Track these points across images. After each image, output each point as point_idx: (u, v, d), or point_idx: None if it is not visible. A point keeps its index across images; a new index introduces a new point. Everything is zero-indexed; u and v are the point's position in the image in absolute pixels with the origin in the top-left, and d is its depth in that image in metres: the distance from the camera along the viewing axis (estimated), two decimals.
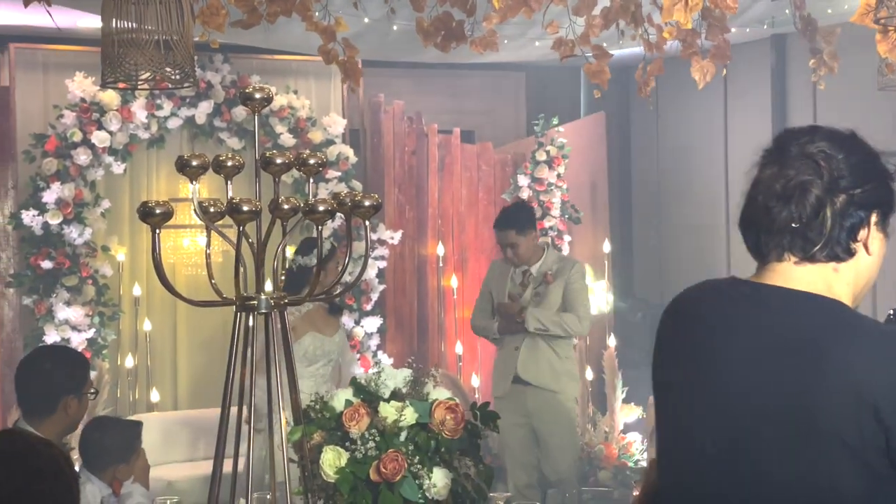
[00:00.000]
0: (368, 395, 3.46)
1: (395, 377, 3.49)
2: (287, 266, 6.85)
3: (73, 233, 8.35)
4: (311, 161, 3.15)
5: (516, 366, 7.39)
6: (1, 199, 8.46)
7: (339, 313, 7.19)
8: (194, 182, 3.09)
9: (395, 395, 3.48)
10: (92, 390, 4.49)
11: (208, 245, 3.18)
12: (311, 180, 3.22)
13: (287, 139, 9.03)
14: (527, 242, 7.40)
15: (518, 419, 7.40)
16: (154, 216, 2.94)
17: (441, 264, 9.84)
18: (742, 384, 2.21)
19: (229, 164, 3.08)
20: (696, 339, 2.32)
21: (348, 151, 9.29)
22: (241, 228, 3.04)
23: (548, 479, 7.47)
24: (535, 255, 7.48)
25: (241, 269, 3.12)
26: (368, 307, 9.32)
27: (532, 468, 7.54)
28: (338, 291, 3.82)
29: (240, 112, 8.87)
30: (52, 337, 8.25)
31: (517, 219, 7.42)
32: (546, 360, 7.43)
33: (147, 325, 8.83)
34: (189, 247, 9.06)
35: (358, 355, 9.17)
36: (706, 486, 2.24)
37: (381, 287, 9.46)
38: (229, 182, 3.11)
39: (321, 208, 3.03)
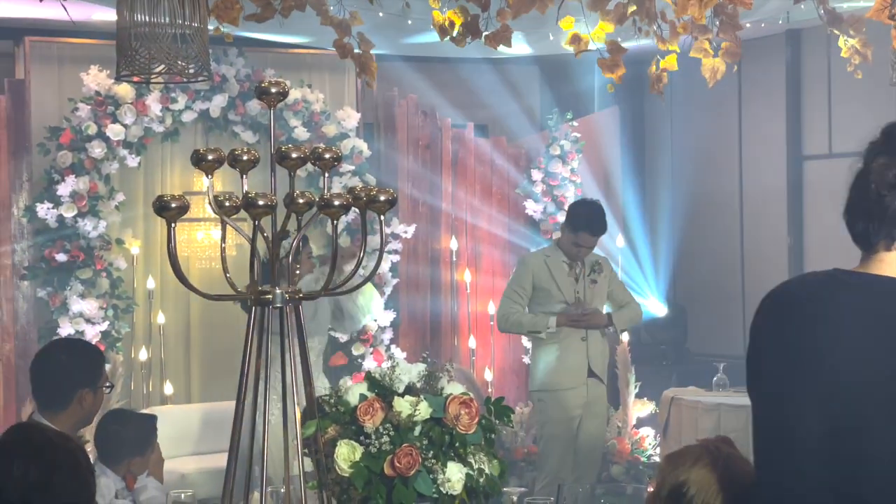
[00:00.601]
0: (383, 390, 3.46)
1: (410, 372, 3.49)
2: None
3: (87, 226, 8.36)
4: (327, 155, 3.15)
5: (588, 359, 7.36)
6: (16, 191, 8.48)
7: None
8: (209, 176, 3.09)
9: (410, 390, 3.47)
10: (107, 384, 4.50)
11: (223, 239, 3.19)
12: (326, 174, 3.22)
13: (301, 133, 9.04)
14: None
15: (576, 412, 7.36)
16: (170, 210, 2.94)
17: (454, 258, 9.84)
18: (853, 374, 2.22)
19: (245, 158, 3.09)
20: (800, 331, 2.32)
21: (362, 145, 9.29)
22: (256, 222, 3.04)
23: (577, 469, 7.44)
24: None
25: (256, 263, 3.13)
26: (381, 301, 9.32)
27: (569, 461, 7.50)
28: (353, 285, 3.83)
29: (254, 106, 8.88)
30: (66, 329, 8.27)
31: (606, 226, 7.47)
32: (606, 353, 7.49)
33: (161, 318, 8.84)
34: (203, 240, 9.07)
35: (371, 349, 9.18)
36: (811, 477, 2.24)
37: (395, 281, 9.47)
38: (244, 176, 3.12)
39: (336, 203, 3.03)
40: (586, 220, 7.33)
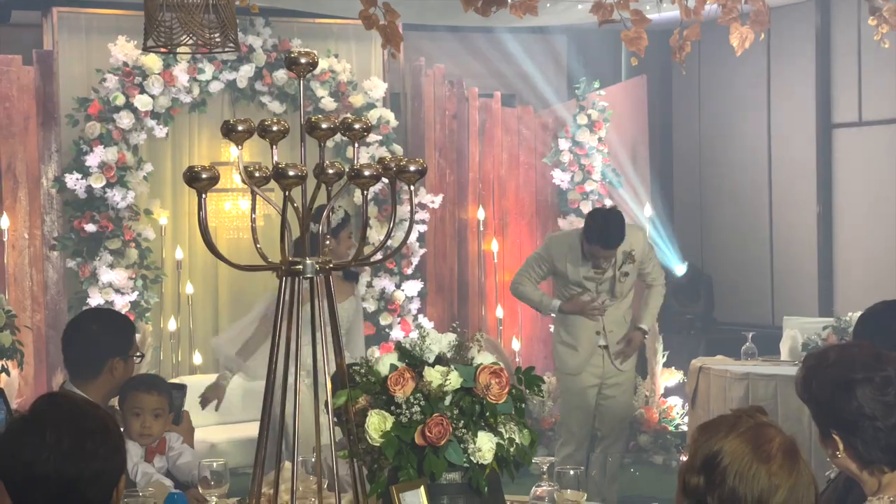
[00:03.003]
0: (413, 360, 3.46)
1: (440, 342, 3.49)
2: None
3: (115, 196, 8.39)
4: (357, 126, 3.15)
5: (605, 335, 7.32)
6: (45, 162, 8.51)
7: (353, 280, 6.98)
8: (239, 147, 3.10)
9: (440, 360, 3.47)
10: (138, 353, 4.52)
11: (253, 209, 3.19)
12: (356, 145, 3.22)
13: (328, 103, 9.03)
14: None
15: (593, 381, 7.35)
16: (200, 181, 2.95)
17: (481, 228, 9.83)
18: None
19: (274, 128, 3.09)
20: None
21: (389, 115, 9.28)
22: (286, 193, 3.04)
23: (601, 440, 7.45)
24: None
25: (287, 234, 3.14)
26: (409, 271, 9.34)
27: (588, 433, 7.49)
28: (382, 256, 3.84)
29: (281, 76, 8.87)
30: (95, 299, 8.31)
31: (623, 236, 7.15)
32: (625, 328, 7.44)
33: (189, 289, 8.87)
34: (231, 210, 9.09)
35: (399, 318, 9.20)
36: None
37: (422, 251, 9.47)
38: (274, 147, 3.12)
39: (367, 173, 3.03)
40: (598, 234, 7.10)
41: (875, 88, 9.44)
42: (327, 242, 6.06)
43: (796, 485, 2.37)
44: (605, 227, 7.09)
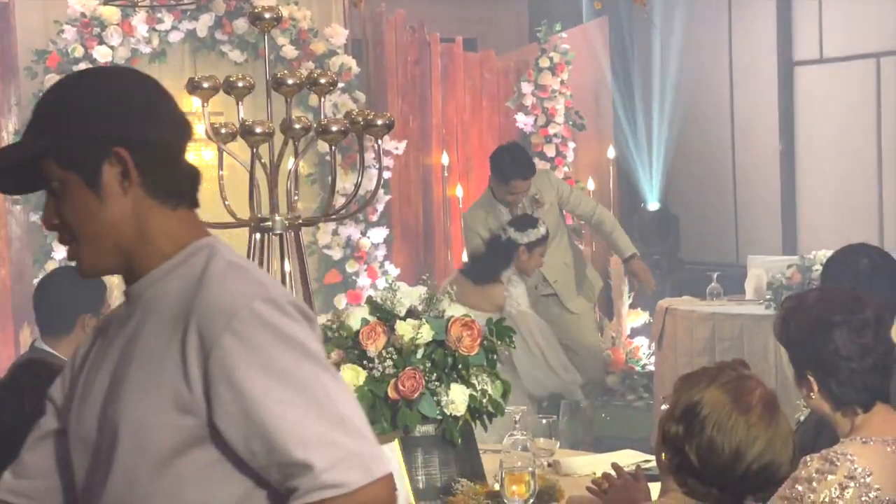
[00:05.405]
0: (384, 314, 3.46)
1: (411, 295, 3.50)
2: (495, 234, 6.76)
3: None
4: (323, 80, 3.14)
5: (550, 284, 7.32)
6: (4, 116, 8.42)
7: (491, 279, 6.50)
8: (205, 104, 3.08)
9: (411, 313, 3.48)
10: (109, 309, 4.52)
11: (220, 166, 3.18)
12: (322, 99, 3.20)
13: (289, 51, 8.96)
14: None
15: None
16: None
17: (446, 174, 9.82)
18: None
19: (240, 84, 3.08)
20: None
21: (351, 62, 9.21)
22: (254, 150, 3.03)
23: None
24: None
25: (255, 191, 3.13)
26: (374, 218, 9.31)
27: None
28: (353, 210, 3.84)
29: (241, 24, 8.78)
30: (60, 253, 8.24)
31: (532, 163, 7.23)
32: (564, 259, 7.42)
33: None
34: (194, 161, 9.00)
35: (365, 266, 9.18)
36: None
37: (387, 198, 9.44)
38: (240, 102, 3.10)
39: (334, 128, 3.03)
40: (512, 166, 7.04)
41: (836, 25, 9.47)
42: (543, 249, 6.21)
43: (774, 437, 2.40)
44: (515, 158, 7.11)
